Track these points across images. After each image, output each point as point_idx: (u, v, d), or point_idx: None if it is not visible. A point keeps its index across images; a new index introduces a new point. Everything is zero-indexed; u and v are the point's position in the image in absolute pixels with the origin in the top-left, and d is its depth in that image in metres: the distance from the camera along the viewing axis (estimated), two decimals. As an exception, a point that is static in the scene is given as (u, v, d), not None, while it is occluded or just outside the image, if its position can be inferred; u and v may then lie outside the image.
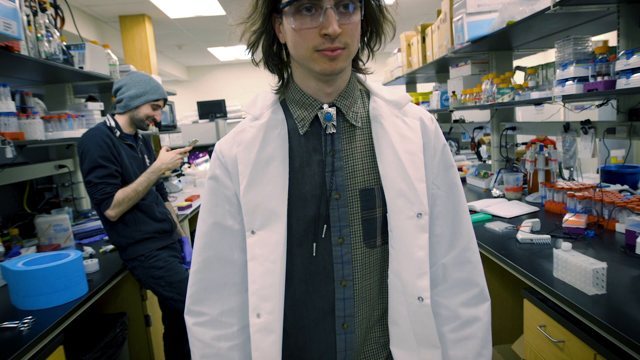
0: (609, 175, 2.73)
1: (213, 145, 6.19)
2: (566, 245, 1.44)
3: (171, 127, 4.19)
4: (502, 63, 2.99)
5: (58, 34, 2.35)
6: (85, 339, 1.75)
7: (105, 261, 2.07)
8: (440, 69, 4.02)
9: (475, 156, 3.73)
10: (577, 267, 1.33)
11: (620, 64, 1.56)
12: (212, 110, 7.70)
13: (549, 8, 1.82)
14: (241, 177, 0.86)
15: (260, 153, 0.86)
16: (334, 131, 0.87)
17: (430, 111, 4.20)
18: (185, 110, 8.18)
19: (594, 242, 1.78)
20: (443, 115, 4.37)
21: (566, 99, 1.85)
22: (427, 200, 0.86)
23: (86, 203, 3.00)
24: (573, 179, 2.67)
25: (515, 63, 3.32)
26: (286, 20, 0.79)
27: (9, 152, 1.78)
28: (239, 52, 7.63)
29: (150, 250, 1.99)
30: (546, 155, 2.56)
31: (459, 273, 0.92)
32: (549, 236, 1.79)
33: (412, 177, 0.85)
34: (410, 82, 5.21)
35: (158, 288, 2.02)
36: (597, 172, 2.96)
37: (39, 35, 2.18)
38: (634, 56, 1.50)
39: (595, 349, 1.21)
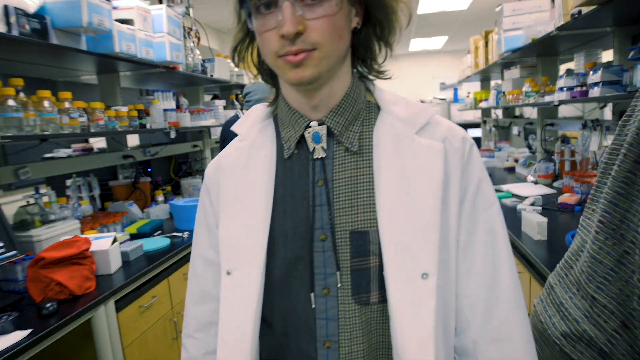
0: None
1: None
2: (529, 208, 2.05)
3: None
4: (547, 67, 3.45)
5: (198, 51, 3.36)
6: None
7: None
8: (503, 70, 4.49)
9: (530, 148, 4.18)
10: (529, 221, 1.95)
11: (590, 78, 2.10)
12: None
13: (552, 32, 2.37)
14: (221, 207, 0.76)
15: (241, 180, 0.75)
16: (324, 155, 0.71)
17: (487, 109, 4.68)
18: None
19: (577, 214, 2.33)
20: (506, 111, 4.81)
21: (561, 103, 2.39)
22: (439, 257, 0.66)
23: (210, 174, 4.06)
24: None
25: (568, 66, 3.72)
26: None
27: (172, 134, 2.80)
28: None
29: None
30: (572, 148, 3.03)
31: (494, 354, 0.69)
32: (540, 207, 2.37)
33: (420, 225, 0.66)
34: (485, 79, 5.66)
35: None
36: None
37: (186, 54, 3.20)
38: (597, 73, 2.04)
39: (531, 274, 1.84)
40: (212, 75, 3.52)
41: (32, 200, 2.05)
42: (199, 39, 3.67)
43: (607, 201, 0.81)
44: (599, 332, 0.80)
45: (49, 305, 1.43)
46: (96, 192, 2.65)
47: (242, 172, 0.76)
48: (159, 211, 2.74)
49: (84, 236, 1.73)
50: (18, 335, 1.30)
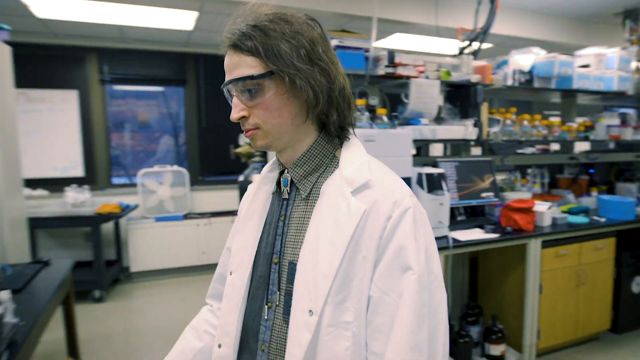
0: None
1: None
2: None
3: None
4: None
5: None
6: (629, 244, 3.37)
7: None
8: None
9: None
10: None
11: None
12: None
13: None
14: (238, 221, 0.99)
15: (250, 205, 0.97)
16: (287, 197, 0.89)
17: None
18: None
19: None
20: None
21: None
22: (326, 300, 0.76)
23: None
24: None
25: None
26: None
27: (611, 145, 3.58)
28: None
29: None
30: None
31: None
32: None
33: (320, 271, 0.78)
34: None
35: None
36: None
37: (637, 79, 3.79)
38: None
39: None
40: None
41: (505, 177, 3.49)
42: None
43: None
44: None
45: (509, 229, 2.78)
46: (546, 179, 3.84)
47: (252, 200, 0.98)
48: (589, 201, 3.62)
49: (526, 200, 2.98)
50: (481, 234, 2.70)
